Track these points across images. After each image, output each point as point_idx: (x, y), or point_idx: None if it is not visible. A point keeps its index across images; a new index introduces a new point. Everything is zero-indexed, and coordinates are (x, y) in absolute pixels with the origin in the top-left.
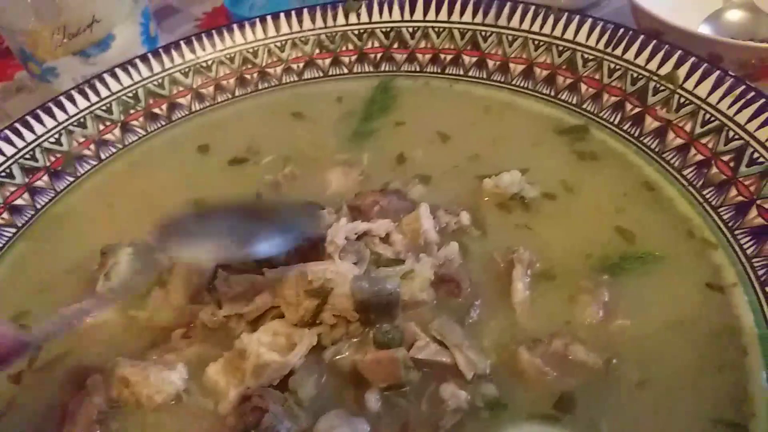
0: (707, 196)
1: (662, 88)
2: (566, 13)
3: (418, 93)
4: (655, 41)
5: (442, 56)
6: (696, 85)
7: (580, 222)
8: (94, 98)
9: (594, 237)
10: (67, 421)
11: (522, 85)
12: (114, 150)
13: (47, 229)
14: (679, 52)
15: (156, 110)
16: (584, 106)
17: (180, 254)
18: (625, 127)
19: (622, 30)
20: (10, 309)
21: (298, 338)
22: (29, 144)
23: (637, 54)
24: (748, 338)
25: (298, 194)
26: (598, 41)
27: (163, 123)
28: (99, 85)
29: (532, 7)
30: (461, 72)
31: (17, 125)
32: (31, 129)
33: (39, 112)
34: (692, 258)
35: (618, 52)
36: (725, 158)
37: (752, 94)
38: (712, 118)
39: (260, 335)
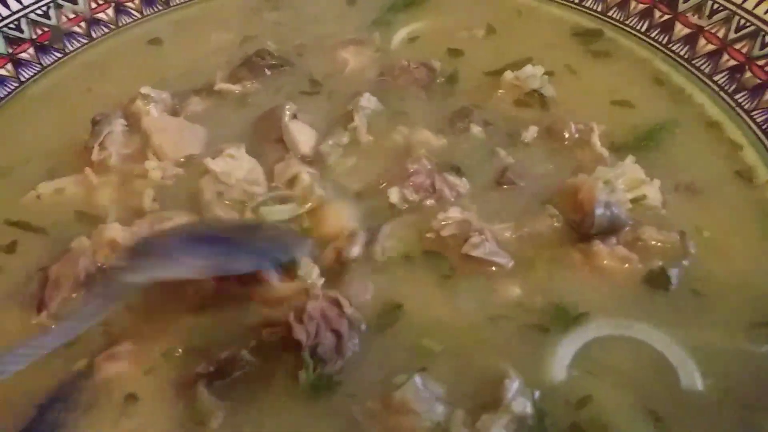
0: (740, 101)
1: None
2: None
3: None
4: None
5: None
6: None
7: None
8: None
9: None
10: (50, 284)
11: None
12: (107, 30)
13: (33, 103)
14: None
15: None
16: (609, 13)
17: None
18: (653, 35)
19: None
20: None
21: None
22: (15, 13)
23: None
24: None
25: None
26: None
27: (161, 8)
28: None
29: None
30: None
31: None
32: None
33: None
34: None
35: None
36: (760, 63)
37: None
38: (748, 23)
39: None
